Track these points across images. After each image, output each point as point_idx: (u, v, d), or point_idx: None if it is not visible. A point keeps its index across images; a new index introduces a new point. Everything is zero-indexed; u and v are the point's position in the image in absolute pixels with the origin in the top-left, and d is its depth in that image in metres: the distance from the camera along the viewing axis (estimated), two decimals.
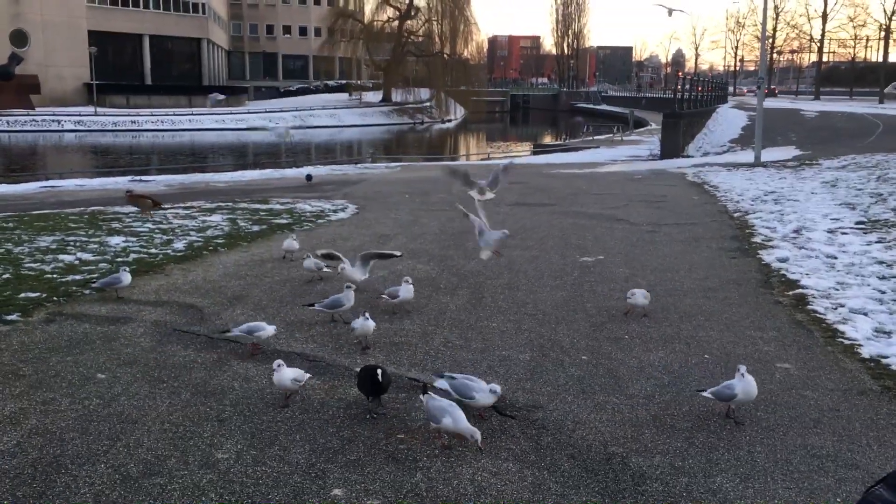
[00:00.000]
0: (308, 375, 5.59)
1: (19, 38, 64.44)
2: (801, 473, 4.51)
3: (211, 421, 5.14)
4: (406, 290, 7.50)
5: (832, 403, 5.54)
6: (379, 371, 5.15)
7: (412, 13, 78.39)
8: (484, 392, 5.01)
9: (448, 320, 7.47)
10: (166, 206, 14.99)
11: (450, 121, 76.83)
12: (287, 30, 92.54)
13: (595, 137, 48.54)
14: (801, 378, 6.00)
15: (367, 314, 6.52)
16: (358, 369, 5.54)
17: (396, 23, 78.11)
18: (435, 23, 77.65)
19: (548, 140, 55.41)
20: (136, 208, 14.35)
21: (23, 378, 5.86)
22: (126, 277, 8.24)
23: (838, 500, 4.21)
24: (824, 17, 69.91)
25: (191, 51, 79.51)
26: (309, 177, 21.21)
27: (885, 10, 66.11)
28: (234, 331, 6.43)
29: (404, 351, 6.61)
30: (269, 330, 6.42)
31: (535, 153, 39.87)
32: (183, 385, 5.79)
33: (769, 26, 31.77)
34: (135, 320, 7.37)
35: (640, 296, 7.50)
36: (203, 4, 79.16)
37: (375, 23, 77.85)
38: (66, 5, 67.04)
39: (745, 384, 5.11)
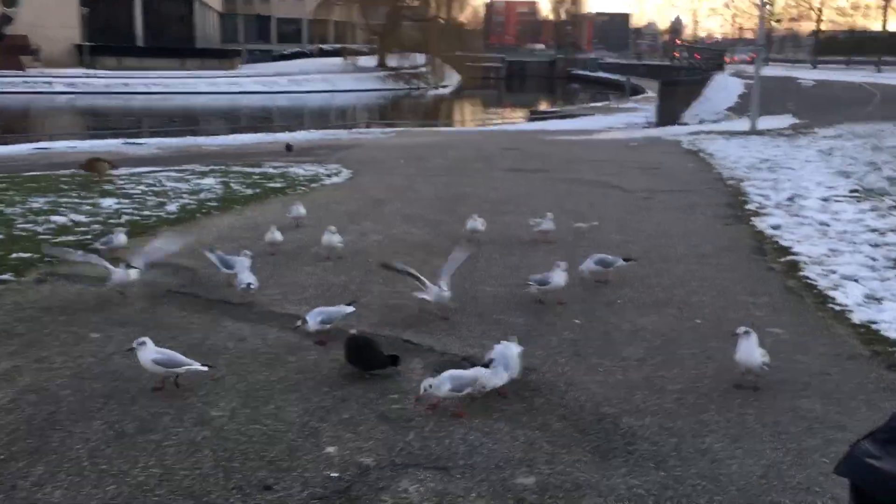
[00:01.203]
0: (184, 368, 4.90)
1: None
2: (789, 435, 4.56)
3: (206, 380, 5.16)
4: (559, 277, 6.71)
5: (822, 367, 5.58)
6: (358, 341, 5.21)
7: None
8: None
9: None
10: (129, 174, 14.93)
11: (445, 87, 76.21)
12: None
13: (592, 104, 48.33)
14: (791, 343, 6.04)
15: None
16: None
17: None
18: None
19: (544, 107, 55.11)
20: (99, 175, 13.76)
21: (17, 336, 5.87)
22: (121, 238, 8.22)
23: (825, 460, 4.26)
24: None
25: (183, 12, 78.36)
26: (289, 146, 19.62)
27: None
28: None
29: (398, 313, 6.63)
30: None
31: (531, 120, 39.70)
32: (178, 345, 5.75)
33: None
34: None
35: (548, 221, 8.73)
36: None
37: None
38: None
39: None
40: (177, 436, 4.39)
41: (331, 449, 4.29)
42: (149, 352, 4.93)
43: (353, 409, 4.78)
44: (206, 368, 4.97)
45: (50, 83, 58.88)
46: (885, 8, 69.11)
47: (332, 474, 4.04)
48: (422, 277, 6.31)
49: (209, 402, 4.83)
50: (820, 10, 72.12)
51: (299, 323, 5.80)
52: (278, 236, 8.41)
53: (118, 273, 6.71)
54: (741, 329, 5.18)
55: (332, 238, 8.21)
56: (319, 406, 4.81)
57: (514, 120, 43.92)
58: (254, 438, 4.38)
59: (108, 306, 6.63)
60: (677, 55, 38.68)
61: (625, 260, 7.43)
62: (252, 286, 6.63)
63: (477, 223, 9.06)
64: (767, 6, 34.74)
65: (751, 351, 5.10)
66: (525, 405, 4.89)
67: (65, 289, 7.11)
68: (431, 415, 4.68)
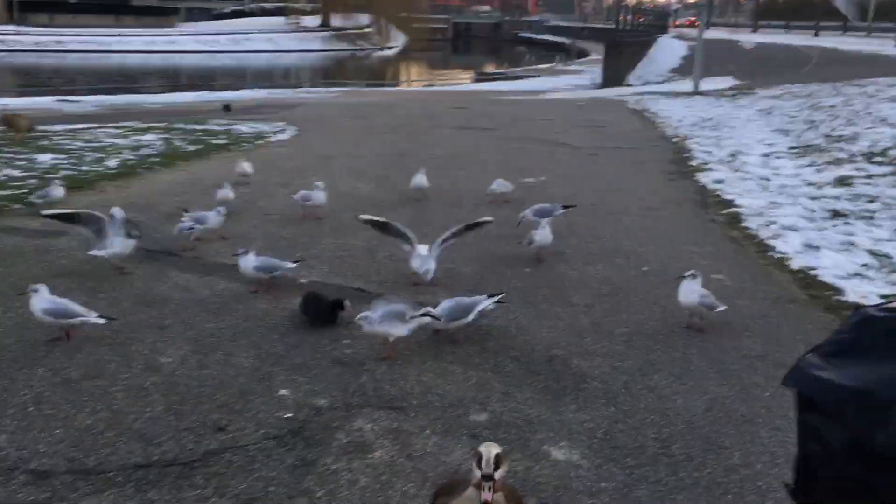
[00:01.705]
0: (79, 319, 4.73)
1: None
2: (732, 372, 4.70)
3: (153, 328, 5.07)
4: (542, 236, 6.68)
5: (762, 310, 5.75)
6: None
7: None
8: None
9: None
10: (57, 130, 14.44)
11: (391, 48, 75.34)
12: None
13: (537, 66, 48.33)
14: (733, 288, 6.19)
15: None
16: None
17: None
18: None
19: (490, 69, 54.90)
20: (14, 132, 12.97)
21: None
22: (58, 191, 7.97)
23: (767, 394, 4.40)
24: None
25: None
26: (227, 106, 18.66)
27: None
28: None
29: (348, 264, 6.60)
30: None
31: (477, 81, 39.55)
32: (122, 295, 5.69)
33: None
34: (68, 234, 7.15)
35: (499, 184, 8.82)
36: None
37: None
38: None
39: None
40: (125, 381, 4.32)
41: (284, 391, 4.27)
42: (41, 300, 4.67)
43: (306, 354, 4.76)
44: (103, 321, 4.75)
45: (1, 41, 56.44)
46: None
47: (285, 415, 4.02)
48: (411, 235, 6.00)
49: (157, 349, 4.76)
50: None
51: (236, 254, 5.82)
52: (230, 194, 8.07)
53: (117, 243, 6.04)
54: (688, 272, 5.30)
55: (246, 167, 9.30)
56: (270, 352, 4.78)
57: (461, 81, 43.71)
58: (205, 383, 4.34)
59: (48, 257, 6.45)
60: (640, 18, 38.53)
61: (564, 207, 7.38)
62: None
63: (422, 179, 8.98)
64: None
65: (690, 291, 5.23)
66: (477, 348, 4.93)
67: (2, 241, 6.89)
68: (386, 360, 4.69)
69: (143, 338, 4.91)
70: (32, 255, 6.53)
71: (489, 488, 2.11)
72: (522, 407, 4.18)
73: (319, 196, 7.90)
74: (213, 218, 6.87)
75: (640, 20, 41.55)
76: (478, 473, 2.13)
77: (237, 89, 28.09)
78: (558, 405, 4.23)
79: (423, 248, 5.95)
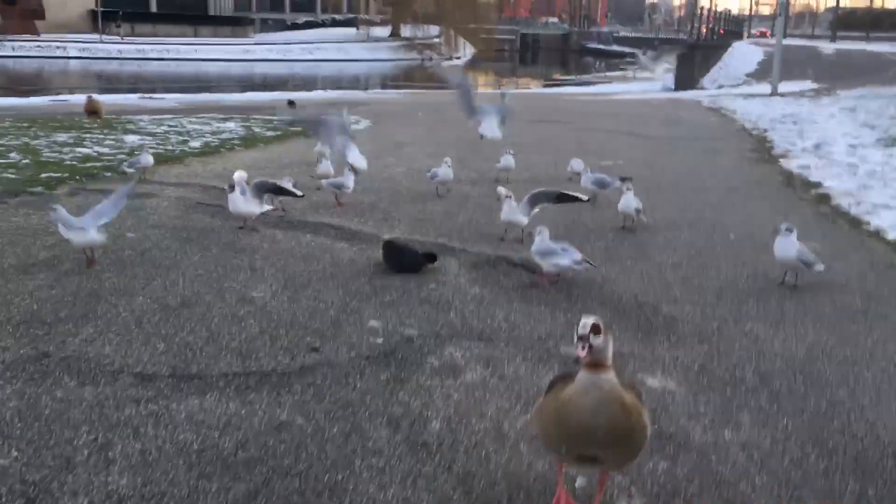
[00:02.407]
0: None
1: None
2: (830, 321, 4.54)
3: (244, 269, 5.18)
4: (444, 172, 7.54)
5: (860, 272, 5.55)
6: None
7: None
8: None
9: (472, 204, 7.48)
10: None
11: (459, 58, 75.68)
12: None
13: (607, 74, 47.94)
14: (828, 254, 5.95)
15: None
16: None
17: None
18: None
19: (558, 77, 54.65)
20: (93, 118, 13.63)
21: (53, 235, 5.88)
22: (148, 159, 8.22)
23: (869, 341, 4.25)
24: None
25: None
26: (291, 102, 18.47)
27: None
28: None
29: (428, 225, 6.62)
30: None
31: (546, 86, 39.41)
32: (212, 243, 5.82)
33: None
34: (158, 196, 7.39)
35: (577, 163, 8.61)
36: None
37: None
38: None
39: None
40: (220, 310, 4.41)
41: (374, 322, 4.30)
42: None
43: (393, 294, 4.78)
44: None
45: (64, 48, 58.82)
46: None
47: (377, 340, 4.05)
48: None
49: (248, 286, 4.85)
50: None
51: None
52: (329, 167, 8.14)
53: (252, 205, 6.12)
54: (783, 225, 5.13)
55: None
56: (359, 291, 4.82)
57: (529, 87, 43.61)
58: (296, 314, 4.40)
59: (141, 213, 6.65)
60: (721, 32, 37.77)
61: (621, 180, 7.24)
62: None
63: (510, 159, 8.95)
64: None
65: (788, 245, 5.06)
66: (563, 294, 4.89)
67: (96, 199, 7.10)
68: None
69: (235, 276, 5.01)
70: (126, 211, 6.70)
71: (583, 347, 2.16)
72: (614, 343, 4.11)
73: (447, 172, 7.90)
74: (349, 181, 7.15)
75: (714, 28, 40.71)
76: (575, 340, 2.20)
77: (310, 90, 28.59)
78: (650, 342, 4.16)
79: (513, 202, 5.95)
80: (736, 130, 14.49)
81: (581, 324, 2.20)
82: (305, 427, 3.14)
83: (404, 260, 5.20)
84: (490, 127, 9.51)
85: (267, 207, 6.25)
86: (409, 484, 2.78)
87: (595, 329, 2.19)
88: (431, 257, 5.29)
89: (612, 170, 9.62)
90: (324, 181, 7.49)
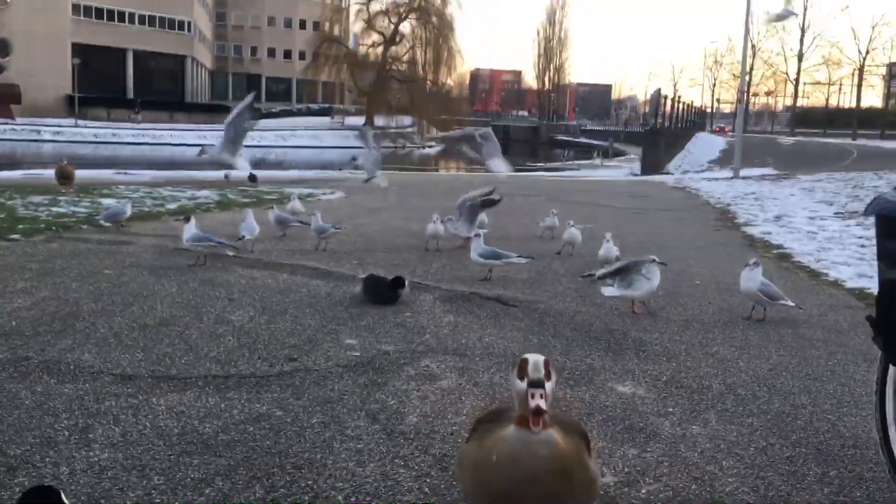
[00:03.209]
0: None
1: (2, 46, 64.11)
2: (793, 348, 4.70)
3: (221, 299, 5.25)
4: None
5: (821, 311, 5.75)
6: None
7: (397, 39, 78.96)
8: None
9: (444, 253, 7.64)
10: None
11: (432, 146, 77.25)
12: (271, 52, 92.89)
13: (576, 162, 49.16)
14: (790, 296, 6.19)
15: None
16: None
17: (381, 49, 78.64)
18: (419, 50, 78.25)
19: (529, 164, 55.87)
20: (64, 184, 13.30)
21: (31, 271, 5.93)
22: (127, 208, 8.34)
23: (831, 362, 4.40)
24: (800, 57, 71.62)
25: (174, 68, 79.46)
26: (252, 177, 17.39)
27: (859, 50, 67.33)
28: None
29: (403, 268, 6.74)
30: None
31: (517, 171, 40.21)
32: (190, 279, 5.89)
33: (746, 64, 32.19)
34: (135, 244, 7.47)
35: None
36: (189, 22, 79.36)
37: (360, 48, 78.21)
38: (50, 17, 66.93)
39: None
40: (198, 328, 4.48)
41: (351, 341, 4.38)
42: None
43: (370, 319, 4.88)
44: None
45: (38, 131, 59.17)
46: (859, 85, 71.33)
47: (354, 353, 4.12)
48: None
49: (226, 311, 4.92)
50: (796, 82, 74.38)
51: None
52: (298, 205, 9.10)
53: (316, 220, 7.55)
54: (751, 261, 5.36)
55: (297, 204, 9.32)
56: (335, 317, 4.90)
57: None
58: (274, 333, 4.47)
59: (117, 256, 6.71)
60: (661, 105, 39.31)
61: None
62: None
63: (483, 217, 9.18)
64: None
65: (751, 278, 5.27)
66: (535, 321, 5.02)
67: (74, 246, 7.18)
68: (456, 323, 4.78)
69: (213, 304, 5.08)
70: (103, 254, 6.80)
71: (541, 395, 1.68)
72: (585, 358, 4.24)
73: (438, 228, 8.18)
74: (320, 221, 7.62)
75: (679, 109, 41.93)
76: (521, 386, 1.71)
77: (285, 170, 28.97)
78: (621, 359, 4.28)
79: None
80: (700, 204, 14.95)
81: (531, 363, 1.73)
82: (284, 417, 3.19)
83: (379, 289, 5.31)
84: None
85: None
86: (387, 462, 2.83)
87: (547, 370, 1.74)
88: (399, 281, 5.38)
89: (583, 232, 9.89)
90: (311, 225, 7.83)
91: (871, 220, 10.29)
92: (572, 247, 7.99)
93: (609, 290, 5.36)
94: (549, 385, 1.71)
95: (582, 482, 1.80)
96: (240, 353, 4.03)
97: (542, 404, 1.67)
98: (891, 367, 2.56)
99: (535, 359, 1.74)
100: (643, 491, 2.70)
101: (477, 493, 1.85)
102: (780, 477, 2.88)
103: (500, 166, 8.76)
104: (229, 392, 3.44)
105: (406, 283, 5.34)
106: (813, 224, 11.60)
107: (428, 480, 2.70)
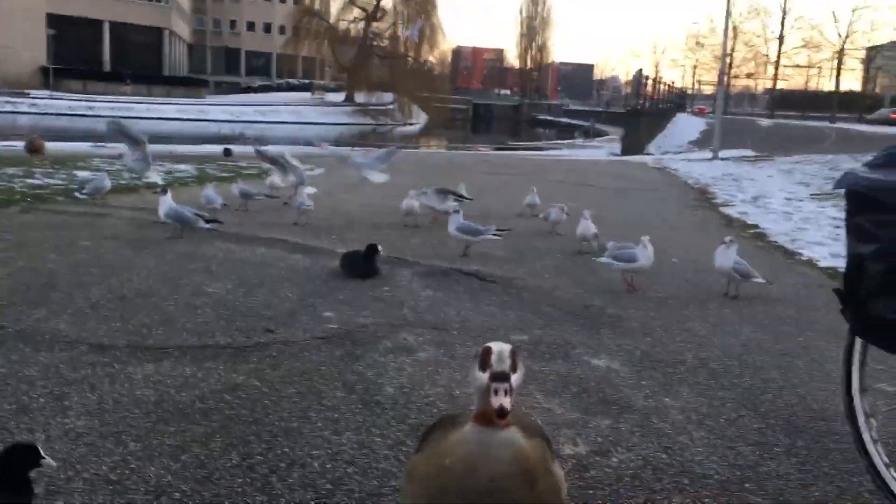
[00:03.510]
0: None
1: None
2: (765, 325, 4.77)
3: (199, 271, 5.24)
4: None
5: (794, 290, 5.84)
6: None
7: (378, 15, 78.29)
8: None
9: (423, 230, 7.65)
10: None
11: (412, 124, 76.89)
12: (251, 26, 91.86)
13: (557, 142, 49.20)
14: (764, 275, 6.27)
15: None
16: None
17: (362, 24, 77.94)
18: (401, 26, 77.65)
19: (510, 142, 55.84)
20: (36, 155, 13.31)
21: (5, 241, 5.87)
22: (105, 181, 8.27)
23: (801, 338, 4.47)
24: (780, 39, 71.92)
25: (152, 40, 78.33)
26: (227, 151, 18.12)
27: (839, 34, 67.74)
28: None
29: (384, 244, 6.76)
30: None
31: (497, 149, 40.22)
32: (167, 252, 5.87)
33: (727, 45, 32.29)
34: (112, 216, 7.42)
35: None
36: None
37: (341, 23, 77.51)
38: None
39: (646, 253, 5.43)
40: (175, 300, 4.47)
41: (328, 313, 4.39)
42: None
43: (348, 293, 4.89)
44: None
45: (13, 103, 58.24)
46: (838, 68, 71.78)
47: (331, 326, 4.14)
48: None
49: (203, 283, 4.91)
50: (776, 64, 74.71)
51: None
52: (277, 181, 9.04)
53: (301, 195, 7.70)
54: (727, 238, 5.44)
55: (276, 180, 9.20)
56: (314, 291, 4.91)
57: (482, 150, 44.46)
58: (251, 305, 4.47)
59: (94, 229, 6.66)
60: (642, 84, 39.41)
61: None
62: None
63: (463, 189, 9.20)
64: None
65: (725, 256, 5.35)
66: (513, 297, 5.05)
67: (49, 217, 7.12)
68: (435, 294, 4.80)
69: (190, 277, 5.07)
70: (80, 226, 6.75)
71: (506, 391, 1.41)
72: (561, 333, 4.28)
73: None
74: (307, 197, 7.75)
75: (660, 88, 42.01)
76: (482, 379, 1.44)
77: (264, 144, 28.72)
78: (597, 334, 4.32)
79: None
80: (679, 185, 15.04)
81: (495, 353, 1.46)
82: (261, 388, 3.21)
83: (355, 262, 5.31)
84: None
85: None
86: (363, 431, 2.86)
87: (514, 361, 1.46)
88: (373, 248, 5.38)
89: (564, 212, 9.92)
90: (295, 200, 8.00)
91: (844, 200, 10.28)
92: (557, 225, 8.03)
93: (608, 261, 5.44)
94: (514, 378, 1.43)
95: (548, 489, 1.53)
96: (217, 324, 4.04)
97: (507, 403, 1.40)
98: (856, 339, 2.61)
99: (500, 348, 1.46)
100: (614, 460, 2.75)
101: None
102: (749, 447, 2.93)
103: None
104: (206, 362, 3.45)
105: (379, 249, 5.34)
106: (789, 205, 11.71)
107: (403, 449, 2.72)
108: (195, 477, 2.42)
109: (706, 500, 2.49)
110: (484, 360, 1.46)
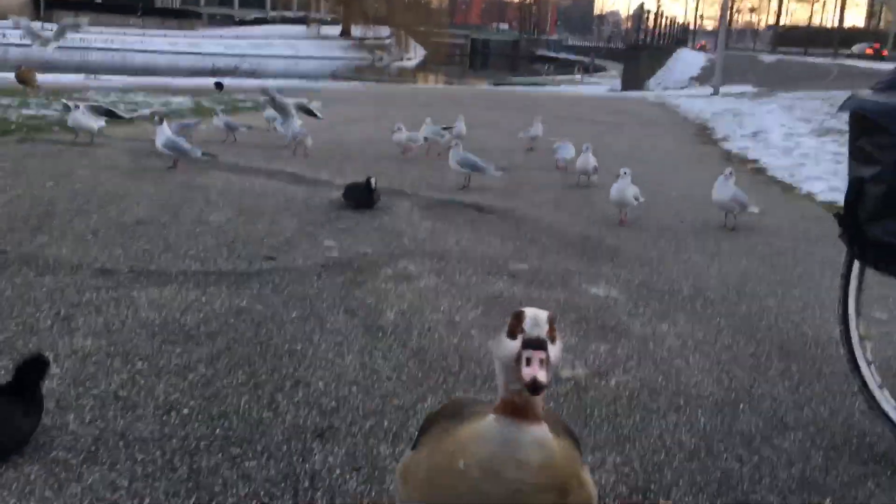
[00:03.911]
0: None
1: None
2: (763, 256, 4.81)
3: (199, 201, 5.24)
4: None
5: (791, 222, 5.87)
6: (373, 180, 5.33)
7: None
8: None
9: (423, 163, 7.62)
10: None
11: (410, 59, 75.78)
12: None
13: (556, 77, 48.65)
14: (763, 209, 6.28)
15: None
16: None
17: None
18: None
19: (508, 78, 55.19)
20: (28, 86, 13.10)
21: (3, 170, 5.86)
22: (100, 122, 8.19)
23: (798, 269, 4.52)
24: None
25: None
26: (219, 84, 17.56)
27: None
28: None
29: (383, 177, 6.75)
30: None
31: (495, 85, 39.78)
32: (167, 181, 5.86)
33: None
34: (109, 146, 7.37)
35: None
36: None
37: None
38: None
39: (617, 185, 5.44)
40: (176, 228, 4.48)
41: (329, 242, 4.41)
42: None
43: (347, 222, 4.91)
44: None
45: (4, 35, 57.17)
46: (842, 4, 70.59)
47: (333, 254, 4.17)
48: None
49: (204, 213, 4.91)
50: (780, 0, 73.38)
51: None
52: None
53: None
54: (727, 170, 5.45)
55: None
56: (314, 220, 4.92)
57: (479, 84, 43.99)
58: (252, 233, 4.49)
59: (91, 156, 6.63)
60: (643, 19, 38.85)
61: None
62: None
63: (461, 126, 9.12)
64: None
65: (724, 186, 5.38)
66: (512, 228, 5.07)
67: (46, 147, 7.08)
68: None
69: (190, 206, 5.07)
70: (77, 155, 6.72)
71: (541, 362, 1.13)
72: (560, 262, 4.32)
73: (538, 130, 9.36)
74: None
75: (662, 22, 41.28)
76: (511, 347, 1.17)
77: (259, 79, 28.38)
78: (595, 263, 4.36)
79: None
80: (679, 120, 14.95)
81: (529, 317, 1.19)
82: (265, 312, 3.25)
83: (356, 192, 5.31)
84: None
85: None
86: (365, 354, 2.91)
87: (551, 328, 1.19)
88: (368, 180, 5.36)
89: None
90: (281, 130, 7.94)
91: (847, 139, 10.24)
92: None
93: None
94: (552, 350, 1.17)
95: (579, 502, 1.26)
96: (218, 251, 4.06)
97: (542, 376, 1.12)
98: (854, 264, 2.64)
99: (535, 312, 1.19)
100: (612, 382, 2.80)
101: None
102: (744, 371, 2.99)
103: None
104: (209, 287, 3.48)
105: (374, 180, 5.31)
106: (790, 140, 11.64)
107: (406, 370, 2.77)
108: (203, 394, 2.48)
109: (701, 419, 2.55)
110: (514, 325, 1.19)
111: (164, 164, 6.41)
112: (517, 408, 1.19)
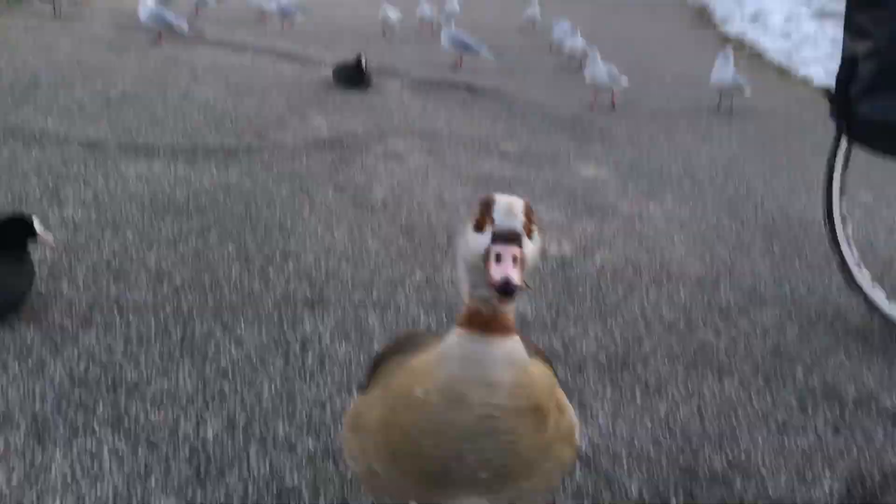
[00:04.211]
0: None
1: None
2: (754, 139, 4.81)
3: (185, 77, 5.15)
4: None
5: (785, 105, 5.84)
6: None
7: None
8: None
9: (413, 43, 7.46)
10: None
11: None
12: None
13: None
14: (757, 93, 6.21)
15: None
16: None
17: None
18: None
19: None
20: None
21: None
22: None
23: (788, 153, 4.52)
24: None
25: None
26: None
27: None
28: None
29: (372, 55, 6.61)
30: None
31: None
32: (152, 56, 5.74)
33: None
34: (90, 19, 7.16)
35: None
36: None
37: None
38: None
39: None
40: (163, 102, 4.42)
41: (319, 120, 4.37)
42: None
43: (337, 102, 4.85)
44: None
45: None
46: None
47: (322, 132, 4.14)
48: None
49: (191, 89, 4.84)
50: None
51: None
52: None
53: None
54: (728, 48, 5.39)
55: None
56: (303, 99, 4.86)
57: None
58: (241, 111, 4.44)
59: (72, 29, 6.45)
60: None
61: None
62: None
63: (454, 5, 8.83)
64: None
65: (724, 67, 5.31)
66: (503, 108, 5.03)
67: (26, 19, 6.87)
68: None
69: (176, 81, 4.99)
70: (59, 29, 6.53)
71: (514, 259, 0.90)
72: (551, 143, 4.31)
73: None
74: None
75: None
76: (480, 242, 0.94)
77: None
78: (587, 144, 4.35)
79: None
80: (676, 3, 14.52)
81: (500, 204, 0.95)
82: (254, 188, 3.25)
83: (346, 71, 5.22)
84: None
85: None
86: (354, 229, 2.93)
87: (528, 219, 0.95)
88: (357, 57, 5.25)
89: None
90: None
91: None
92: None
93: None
94: (529, 246, 0.94)
95: (560, 431, 1.07)
96: (207, 128, 4.02)
97: (515, 275, 0.89)
98: (842, 142, 2.65)
99: (509, 199, 0.95)
100: (598, 259, 2.86)
101: (387, 463, 1.05)
102: (726, 249, 3.05)
103: None
104: (198, 163, 3.47)
105: (364, 59, 5.17)
106: (790, 24, 11.41)
107: (395, 246, 2.81)
108: (194, 265, 2.51)
109: (682, 294, 2.62)
110: (482, 215, 0.95)
111: (149, 39, 6.24)
112: (484, 319, 0.96)
